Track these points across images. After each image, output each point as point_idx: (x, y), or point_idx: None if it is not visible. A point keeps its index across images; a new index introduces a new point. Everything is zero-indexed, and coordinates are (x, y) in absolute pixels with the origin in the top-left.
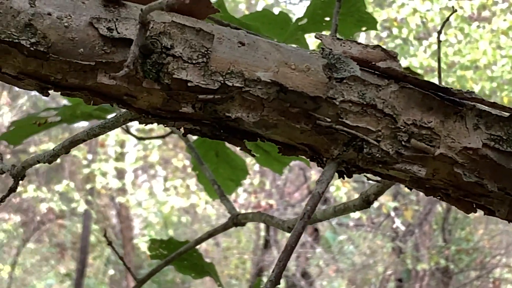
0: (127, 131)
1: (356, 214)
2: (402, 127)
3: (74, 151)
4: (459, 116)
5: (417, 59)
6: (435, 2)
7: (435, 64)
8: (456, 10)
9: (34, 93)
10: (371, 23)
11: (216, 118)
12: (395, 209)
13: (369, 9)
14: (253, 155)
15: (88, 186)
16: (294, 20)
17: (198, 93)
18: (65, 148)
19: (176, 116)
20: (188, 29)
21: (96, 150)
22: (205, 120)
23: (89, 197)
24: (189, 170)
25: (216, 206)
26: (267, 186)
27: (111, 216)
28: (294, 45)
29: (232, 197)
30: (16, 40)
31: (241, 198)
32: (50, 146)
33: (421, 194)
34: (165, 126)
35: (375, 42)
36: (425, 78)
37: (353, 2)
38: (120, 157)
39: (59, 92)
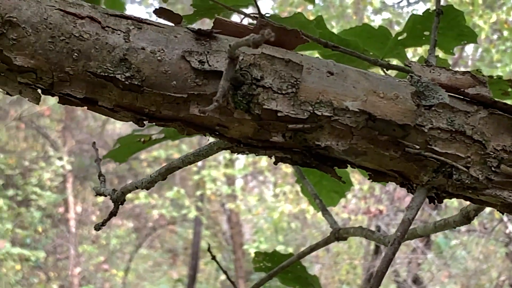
0: None
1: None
2: (492, 153)
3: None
4: None
5: None
6: None
7: None
8: None
9: None
10: (471, 37)
11: (306, 146)
12: None
13: (479, 11)
14: (343, 182)
15: (198, 193)
16: (393, 34)
17: (288, 123)
18: (162, 175)
19: (267, 145)
20: (277, 60)
21: None
22: (296, 149)
23: (200, 203)
24: None
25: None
26: (377, 191)
27: (222, 222)
28: (382, 74)
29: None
30: (112, 75)
31: (351, 203)
32: (160, 153)
33: None
34: (256, 155)
35: (486, 45)
36: None
37: (452, 16)
38: (229, 163)
39: (155, 123)
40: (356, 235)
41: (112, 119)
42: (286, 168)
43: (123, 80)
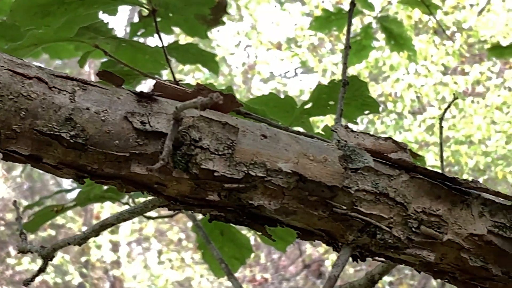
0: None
1: None
2: (413, 215)
3: (69, 224)
4: (465, 204)
5: (411, 134)
6: (429, 76)
7: (429, 139)
8: (457, 98)
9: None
10: (374, 107)
11: (240, 205)
12: (390, 283)
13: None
14: (273, 240)
15: (83, 259)
16: (299, 104)
17: (223, 182)
18: (95, 232)
19: (203, 203)
20: (215, 123)
21: (91, 222)
22: (230, 207)
23: (84, 270)
24: (184, 243)
25: (211, 279)
26: (262, 259)
27: None
28: (312, 138)
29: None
30: (57, 133)
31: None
32: None
33: None
34: (192, 213)
35: (370, 117)
36: (419, 153)
37: (357, 87)
38: (115, 229)
39: (94, 181)
40: None
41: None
42: (173, 235)
43: (68, 138)
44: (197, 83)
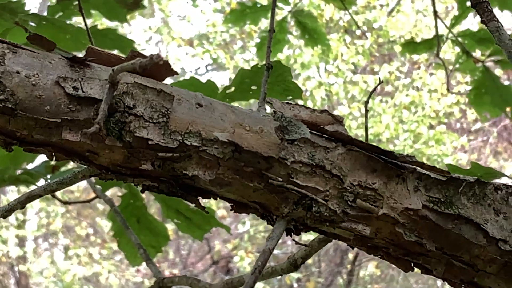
0: (53, 195)
1: (259, 285)
2: (349, 188)
3: None
4: (401, 178)
5: None
6: (340, 76)
7: None
8: (382, 81)
9: None
10: (296, 92)
11: (173, 175)
12: (298, 280)
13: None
14: (206, 212)
15: None
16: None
17: (157, 151)
18: (21, 203)
19: (136, 173)
20: (149, 90)
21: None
22: (163, 178)
23: None
24: (92, 238)
25: (119, 275)
26: (171, 255)
27: (10, 286)
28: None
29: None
30: None
31: (142, 266)
32: None
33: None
34: (124, 182)
35: None
36: None
37: (280, 72)
38: (21, 224)
39: (23, 148)
40: (181, 284)
41: None
42: (80, 230)
43: None
44: (131, 50)
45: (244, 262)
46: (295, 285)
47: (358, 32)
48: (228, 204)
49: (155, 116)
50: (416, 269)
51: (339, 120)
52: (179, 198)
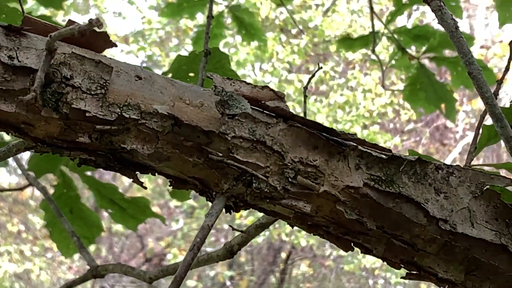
0: None
1: (191, 283)
2: (289, 164)
3: None
4: (342, 155)
5: None
6: (275, 75)
7: None
8: (321, 67)
9: None
10: None
11: (111, 149)
12: (231, 278)
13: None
14: (144, 187)
15: None
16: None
17: (95, 124)
18: None
19: (73, 146)
20: (87, 61)
21: None
22: (101, 151)
23: None
24: (24, 235)
25: (50, 273)
26: (103, 252)
27: None
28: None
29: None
30: None
31: (74, 264)
32: None
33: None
34: (60, 156)
35: None
36: None
37: (218, 59)
38: None
39: None
40: (115, 271)
41: None
42: (12, 227)
43: None
44: (69, 20)
45: (178, 260)
46: (228, 283)
47: (293, 31)
48: (161, 202)
49: (93, 88)
50: (354, 251)
51: (280, 96)
52: (114, 187)
